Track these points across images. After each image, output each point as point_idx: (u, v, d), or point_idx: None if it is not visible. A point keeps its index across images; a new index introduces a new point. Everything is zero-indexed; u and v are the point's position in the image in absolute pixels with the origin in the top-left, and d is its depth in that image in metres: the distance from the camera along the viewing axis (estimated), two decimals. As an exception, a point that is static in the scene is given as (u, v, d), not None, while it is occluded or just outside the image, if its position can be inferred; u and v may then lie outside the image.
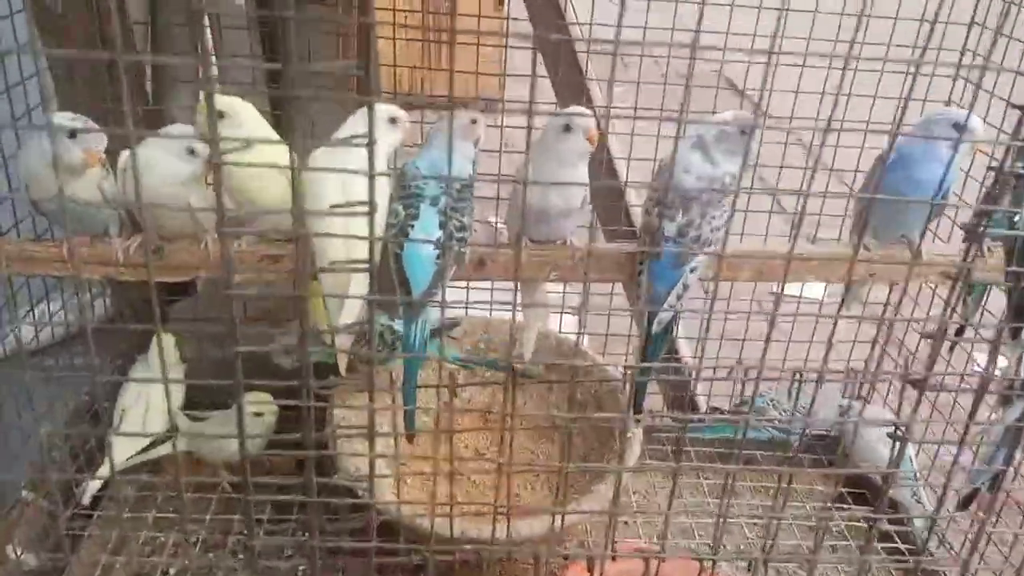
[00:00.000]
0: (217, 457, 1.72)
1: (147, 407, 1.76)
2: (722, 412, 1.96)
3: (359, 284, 1.22)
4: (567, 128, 1.21)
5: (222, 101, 1.21)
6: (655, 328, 1.25)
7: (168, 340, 1.80)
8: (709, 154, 1.21)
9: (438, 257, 1.21)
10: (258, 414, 1.65)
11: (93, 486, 1.62)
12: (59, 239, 1.32)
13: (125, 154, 1.25)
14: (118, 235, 1.29)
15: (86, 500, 1.60)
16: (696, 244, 1.22)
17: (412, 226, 1.22)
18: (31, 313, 1.59)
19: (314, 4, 2.04)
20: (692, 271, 1.24)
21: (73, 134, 1.16)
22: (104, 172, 1.24)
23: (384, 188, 1.24)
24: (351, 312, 1.24)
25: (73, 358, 1.87)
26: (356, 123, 1.26)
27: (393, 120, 1.25)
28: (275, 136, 1.26)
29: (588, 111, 1.22)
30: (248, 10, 1.93)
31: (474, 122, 1.28)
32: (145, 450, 1.71)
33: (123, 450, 1.71)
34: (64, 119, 1.16)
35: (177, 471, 0.78)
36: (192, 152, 1.20)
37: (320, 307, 1.50)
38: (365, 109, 1.27)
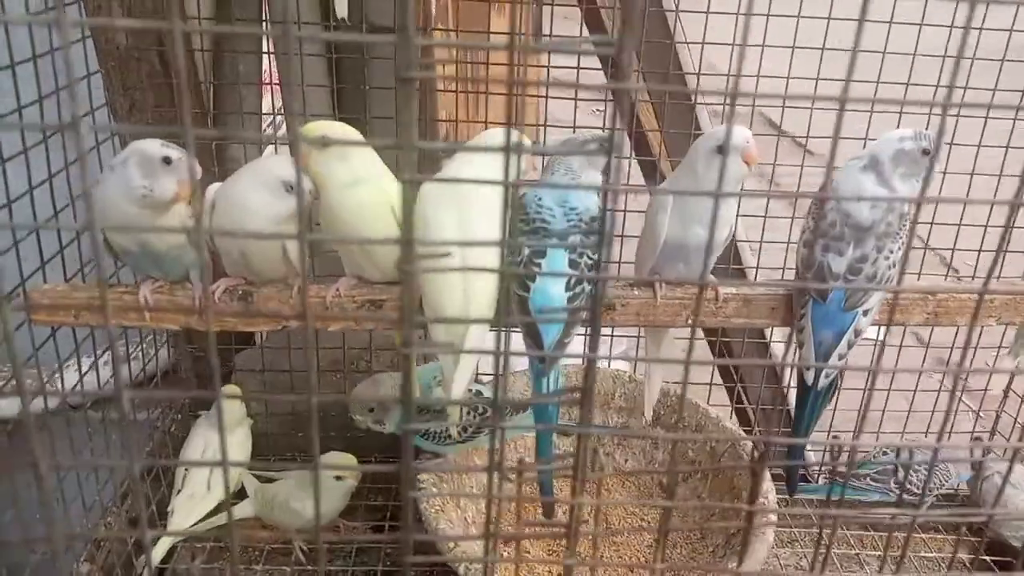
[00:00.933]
0: (291, 525, 1.55)
1: (212, 468, 1.60)
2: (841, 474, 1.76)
3: (478, 335, 1.06)
4: (720, 149, 1.05)
5: (328, 127, 1.06)
6: (820, 384, 1.08)
7: (234, 392, 1.65)
8: (884, 177, 1.05)
9: (570, 301, 1.05)
10: (339, 478, 1.48)
11: (156, 555, 1.46)
12: (131, 285, 1.17)
13: (213, 189, 1.11)
14: (200, 280, 1.14)
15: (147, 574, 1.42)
16: (871, 283, 1.05)
17: (539, 266, 1.06)
18: (78, 362, 1.45)
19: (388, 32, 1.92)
20: (865, 314, 1.06)
21: (168, 160, 1.01)
22: (190, 211, 1.09)
23: (496, 220, 1.09)
24: (467, 369, 1.07)
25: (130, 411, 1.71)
26: (474, 153, 1.10)
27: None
28: (385, 169, 1.11)
29: (745, 128, 1.06)
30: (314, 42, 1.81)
31: (602, 146, 1.13)
32: (210, 515, 1.56)
33: (186, 515, 1.55)
34: (154, 146, 1.01)
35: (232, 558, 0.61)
36: (290, 189, 1.05)
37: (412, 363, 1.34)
38: (483, 136, 1.12)
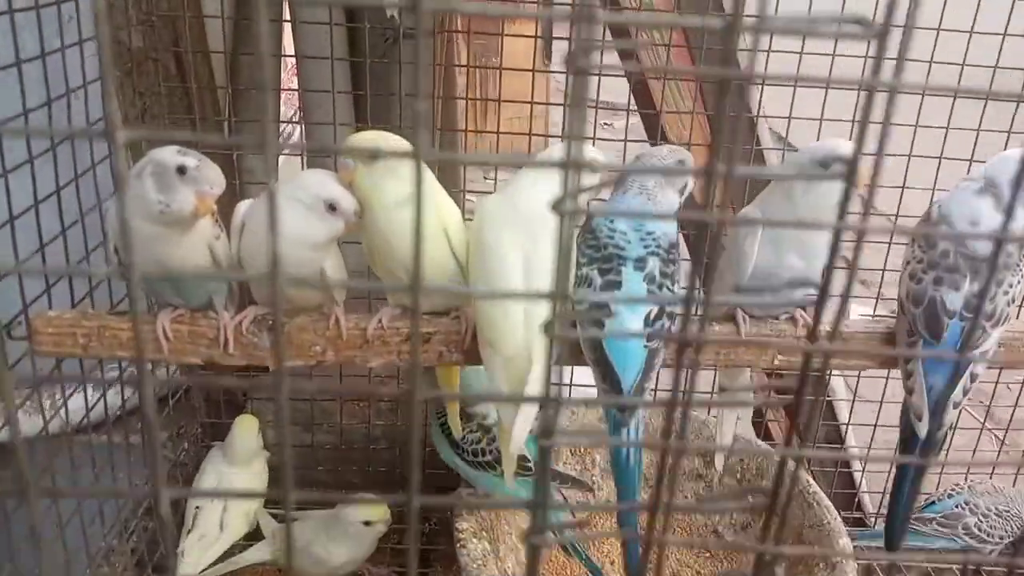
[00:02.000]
0: (312, 572, 1.41)
1: (225, 505, 1.47)
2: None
3: (541, 376, 0.93)
4: (825, 166, 0.92)
5: (378, 139, 0.93)
6: (936, 432, 0.95)
7: (251, 424, 1.52)
8: (1003, 202, 0.92)
9: (649, 338, 0.92)
10: (368, 523, 1.35)
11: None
12: (147, 313, 1.04)
13: (243, 207, 0.98)
14: (224, 308, 1.01)
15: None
16: (990, 321, 0.92)
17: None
18: (83, 384, 1.32)
19: (410, 40, 1.81)
20: (983, 355, 0.94)
21: (183, 170, 0.87)
22: (216, 229, 0.96)
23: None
24: (530, 415, 0.94)
25: (130, 435, 1.57)
26: (540, 168, 0.98)
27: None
28: (438, 187, 0.99)
29: (851, 142, 0.93)
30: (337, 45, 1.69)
31: (682, 163, 1.00)
32: (223, 558, 1.43)
33: (198, 559, 1.42)
34: (169, 154, 0.88)
35: None
36: (333, 208, 0.92)
37: (455, 407, 1.21)
38: (551, 148, 0.99)
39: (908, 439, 0.97)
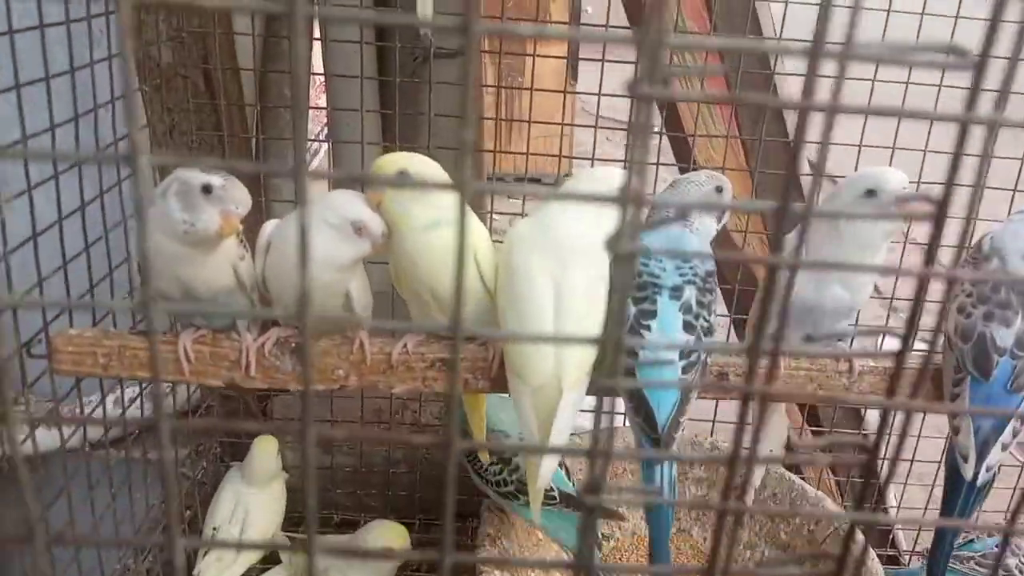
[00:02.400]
0: (330, 597, 1.38)
1: (243, 526, 1.44)
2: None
3: (572, 403, 0.90)
4: (872, 195, 0.88)
5: (406, 160, 0.91)
6: (981, 477, 0.90)
7: (270, 445, 1.49)
8: (1059, 236, 0.88)
9: (685, 370, 0.88)
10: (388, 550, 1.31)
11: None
12: (169, 333, 1.02)
13: (269, 227, 0.96)
14: (247, 329, 0.99)
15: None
16: (1043, 360, 0.88)
17: (648, 327, 0.89)
18: (101, 396, 1.30)
19: (441, 60, 1.79)
20: (1036, 397, 0.89)
21: (208, 189, 0.86)
22: (241, 250, 0.94)
23: (602, 275, 0.93)
24: (560, 437, 0.91)
25: (148, 451, 1.55)
26: (576, 189, 0.95)
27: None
28: (467, 209, 0.96)
29: (900, 171, 0.89)
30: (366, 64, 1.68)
31: (720, 190, 0.97)
32: (241, 579, 1.40)
33: (214, 582, 1.39)
34: (194, 173, 0.86)
35: None
36: (360, 230, 0.89)
37: (481, 425, 1.18)
38: (586, 175, 0.97)
39: (953, 480, 0.93)
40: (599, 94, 1.36)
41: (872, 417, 1.66)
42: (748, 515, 1.40)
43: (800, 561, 0.38)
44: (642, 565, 1.25)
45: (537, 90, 1.41)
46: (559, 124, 1.44)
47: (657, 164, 1.41)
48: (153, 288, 0.84)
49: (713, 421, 1.51)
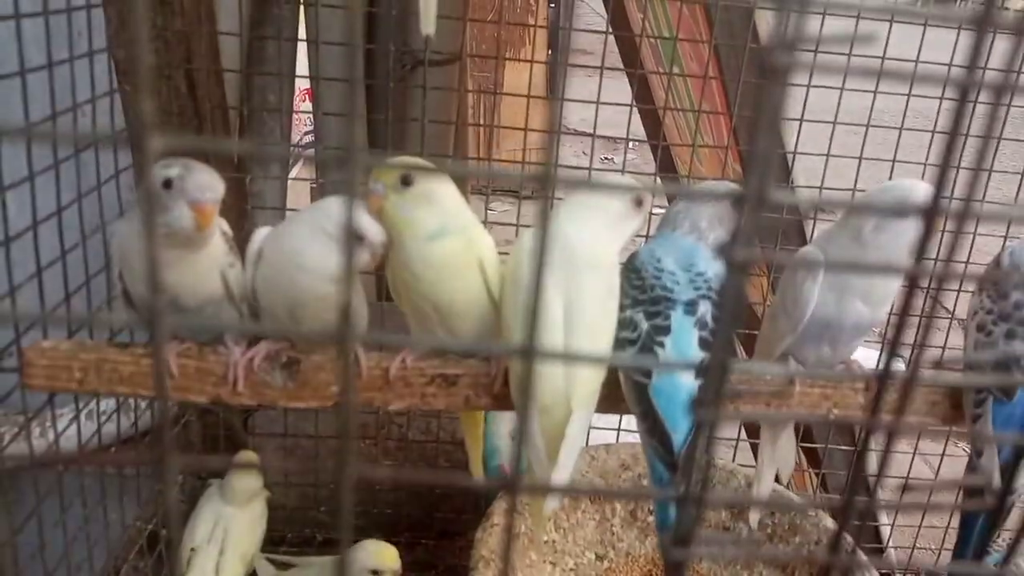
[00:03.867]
0: (312, 623, 1.32)
1: (222, 548, 1.38)
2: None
3: (581, 423, 0.85)
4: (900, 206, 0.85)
5: (409, 162, 0.86)
6: (1006, 498, 0.87)
7: (251, 462, 1.43)
8: (1085, 252, 0.85)
9: (702, 391, 0.84)
10: (376, 572, 1.25)
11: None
12: (150, 345, 0.96)
13: (260, 235, 0.91)
14: (235, 343, 0.93)
15: None
16: (1069, 379, 0.85)
17: (662, 344, 0.85)
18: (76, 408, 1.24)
19: (433, 67, 1.75)
20: (1061, 416, 0.86)
21: (168, 184, 0.78)
22: (231, 257, 0.89)
23: (612, 288, 0.89)
24: (568, 464, 0.86)
25: (123, 467, 1.47)
26: (587, 198, 0.91)
27: (639, 203, 0.90)
28: (474, 217, 0.91)
29: (927, 184, 0.86)
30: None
31: (739, 201, 0.93)
32: (219, 606, 1.33)
33: (190, 607, 1.32)
34: (155, 169, 0.79)
35: None
36: (360, 239, 0.84)
37: (478, 444, 1.13)
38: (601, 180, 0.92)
39: (977, 515, 0.90)
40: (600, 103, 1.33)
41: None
42: (745, 532, 1.36)
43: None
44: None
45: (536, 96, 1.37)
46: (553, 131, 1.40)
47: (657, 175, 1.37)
48: (137, 296, 0.78)
49: (737, 440, 1.48)
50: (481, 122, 3.63)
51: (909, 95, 1.30)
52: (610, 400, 0.92)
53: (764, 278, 1.40)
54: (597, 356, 0.82)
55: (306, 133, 2.72)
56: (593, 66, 1.29)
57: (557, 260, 0.86)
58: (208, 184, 0.78)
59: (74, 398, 1.10)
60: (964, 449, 1.85)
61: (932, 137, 1.25)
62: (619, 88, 1.38)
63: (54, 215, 0.98)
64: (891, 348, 0.33)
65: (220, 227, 0.87)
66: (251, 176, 1.43)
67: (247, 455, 1.48)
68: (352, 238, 0.42)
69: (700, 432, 0.29)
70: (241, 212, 1.47)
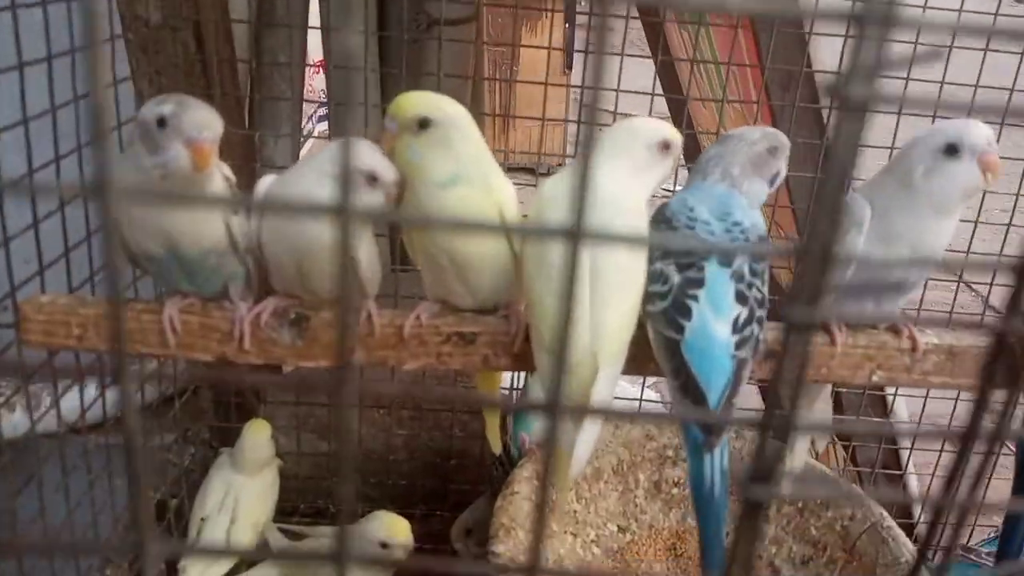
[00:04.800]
0: (321, 593, 1.27)
1: (233, 515, 1.34)
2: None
3: (608, 382, 0.80)
4: (952, 150, 0.78)
5: (431, 105, 0.80)
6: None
7: (263, 429, 1.39)
8: None
9: (738, 346, 0.78)
10: (385, 545, 1.20)
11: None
12: (152, 301, 0.91)
13: (265, 182, 0.85)
14: (241, 298, 0.88)
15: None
16: None
17: (695, 298, 0.79)
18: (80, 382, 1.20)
19: (448, 26, 1.69)
20: None
21: (162, 122, 0.73)
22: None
23: (641, 236, 0.83)
24: (593, 428, 0.81)
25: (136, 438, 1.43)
26: (611, 143, 0.84)
27: (666, 146, 0.84)
28: (494, 164, 0.85)
29: (985, 125, 0.79)
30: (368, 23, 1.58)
31: (774, 151, 0.87)
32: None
33: (200, 575, 1.29)
34: (149, 107, 0.74)
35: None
36: (373, 180, 0.78)
37: (496, 411, 1.08)
38: (621, 126, 0.86)
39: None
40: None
41: (900, 406, 1.57)
42: (775, 507, 1.30)
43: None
44: None
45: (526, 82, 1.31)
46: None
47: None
48: (134, 245, 0.72)
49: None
50: (497, 99, 3.56)
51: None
52: (638, 360, 0.86)
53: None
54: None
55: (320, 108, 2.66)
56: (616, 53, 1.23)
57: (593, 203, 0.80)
58: (205, 121, 0.72)
59: (76, 359, 1.05)
60: None
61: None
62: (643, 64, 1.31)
63: (52, 163, 0.93)
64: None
65: (222, 171, 0.81)
66: (260, 134, 1.37)
67: (259, 423, 1.44)
68: (350, 174, 0.37)
69: (790, 342, 0.23)
70: (251, 173, 1.42)
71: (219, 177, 0.80)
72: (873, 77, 0.18)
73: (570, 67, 4.21)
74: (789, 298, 0.21)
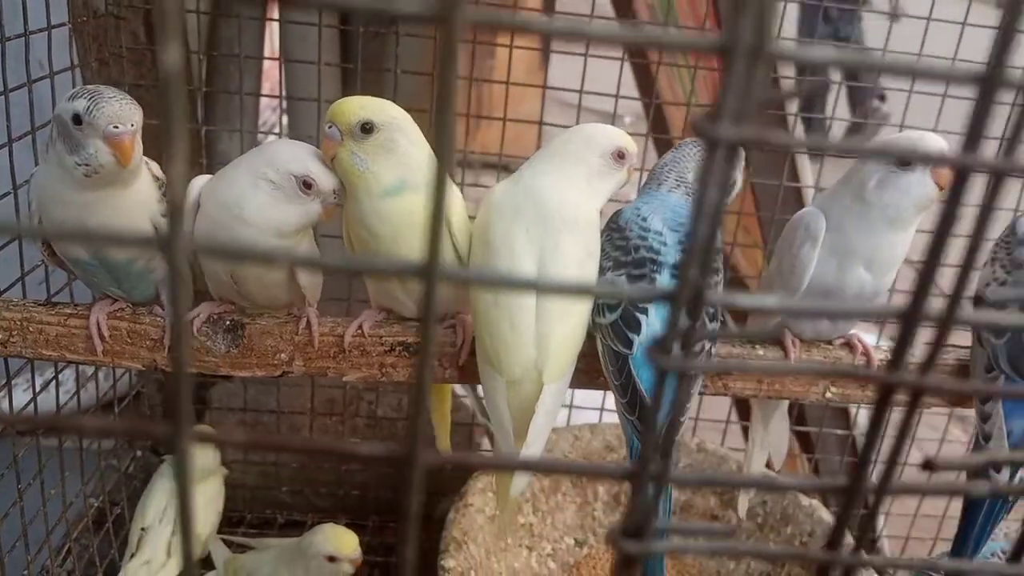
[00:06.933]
0: (267, 608, 1.23)
1: (174, 528, 1.29)
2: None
3: (554, 398, 0.77)
4: (905, 162, 0.76)
5: (374, 109, 0.76)
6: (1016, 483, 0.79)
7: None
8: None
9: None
10: (333, 559, 1.16)
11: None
12: (82, 305, 0.87)
13: (198, 183, 0.81)
14: (173, 303, 0.84)
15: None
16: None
17: (645, 311, 0.77)
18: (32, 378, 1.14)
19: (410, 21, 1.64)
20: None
21: (78, 119, 0.69)
22: (163, 205, 0.79)
23: (591, 249, 0.80)
24: (537, 442, 0.78)
25: (76, 440, 1.38)
26: (564, 149, 0.81)
27: (621, 155, 0.81)
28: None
29: (938, 136, 0.77)
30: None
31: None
32: (171, 588, 1.25)
33: (139, 589, 1.24)
34: (64, 103, 0.70)
35: None
36: (308, 187, 0.75)
37: (445, 420, 1.04)
38: (575, 132, 0.83)
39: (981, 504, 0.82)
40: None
41: (862, 417, 1.56)
42: (736, 520, 1.28)
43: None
44: None
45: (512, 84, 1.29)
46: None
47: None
48: (59, 248, 0.68)
49: (696, 419, 1.40)
50: (471, 96, 3.51)
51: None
52: (588, 374, 0.83)
53: (759, 249, 1.31)
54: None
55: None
56: (579, 53, 1.20)
57: (530, 217, 0.77)
58: (121, 114, 0.68)
59: (5, 365, 1.00)
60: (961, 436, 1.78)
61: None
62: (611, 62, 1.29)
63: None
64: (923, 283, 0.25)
65: (150, 169, 0.77)
66: (208, 129, 1.32)
67: (203, 428, 1.39)
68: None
69: (662, 386, 0.21)
70: (199, 169, 1.37)
71: (146, 174, 0.76)
72: (743, 116, 0.15)
73: (545, 65, 4.17)
74: (660, 342, 0.19)
